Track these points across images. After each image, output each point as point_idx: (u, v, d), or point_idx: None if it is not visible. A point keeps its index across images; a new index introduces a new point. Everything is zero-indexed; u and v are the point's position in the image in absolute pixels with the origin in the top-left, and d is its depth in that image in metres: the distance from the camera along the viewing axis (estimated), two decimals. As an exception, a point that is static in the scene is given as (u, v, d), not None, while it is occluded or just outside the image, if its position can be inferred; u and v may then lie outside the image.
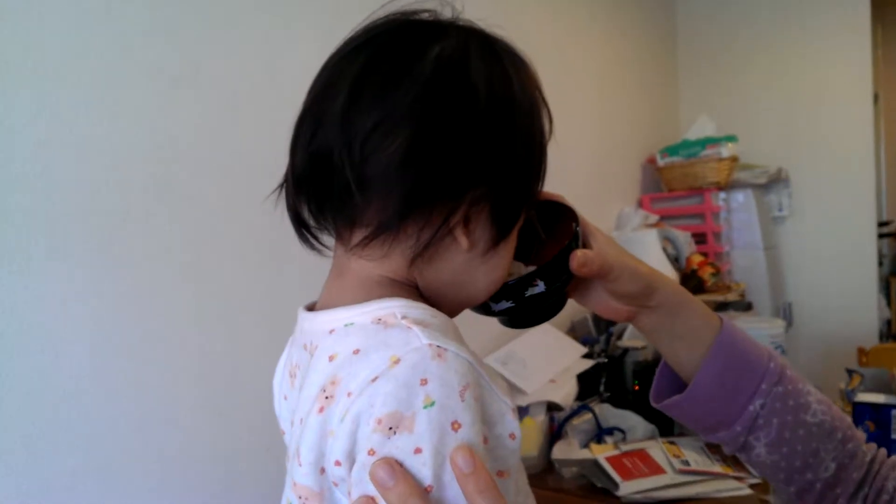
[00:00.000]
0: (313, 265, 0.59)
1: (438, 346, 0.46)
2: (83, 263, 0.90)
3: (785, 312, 2.88)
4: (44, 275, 0.85)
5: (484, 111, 0.51)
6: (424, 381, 0.44)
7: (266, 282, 1.15)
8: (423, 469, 0.44)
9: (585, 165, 2.33)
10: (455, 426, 0.44)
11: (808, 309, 2.99)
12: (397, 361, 0.45)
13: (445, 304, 0.55)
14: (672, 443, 1.42)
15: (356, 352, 0.48)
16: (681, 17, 3.35)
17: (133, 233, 0.96)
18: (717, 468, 1.32)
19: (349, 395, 0.46)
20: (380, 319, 0.50)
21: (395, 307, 0.50)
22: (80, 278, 0.90)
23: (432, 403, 0.44)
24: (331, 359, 0.49)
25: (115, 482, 0.93)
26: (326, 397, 0.47)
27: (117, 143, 0.94)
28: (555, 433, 1.48)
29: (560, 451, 1.41)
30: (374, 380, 0.45)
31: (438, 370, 0.45)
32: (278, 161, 0.56)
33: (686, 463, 1.32)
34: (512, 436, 0.48)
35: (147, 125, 0.98)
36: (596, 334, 1.96)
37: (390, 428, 0.44)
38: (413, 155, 0.49)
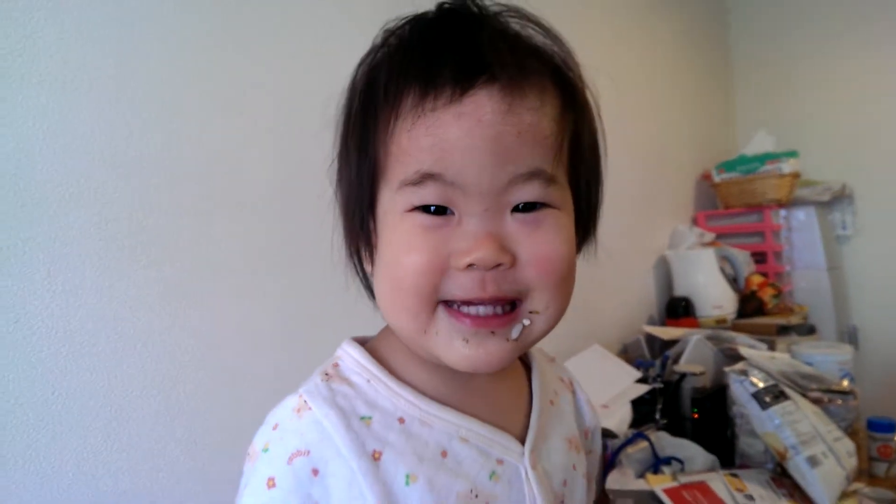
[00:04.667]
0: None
1: (305, 402, 0.46)
2: (138, 281, 0.89)
3: (850, 337, 2.74)
4: (98, 292, 0.85)
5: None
6: (275, 427, 0.46)
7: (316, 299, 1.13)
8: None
9: (637, 182, 2.27)
10: (270, 483, 0.44)
11: (875, 333, 2.83)
12: (284, 398, 0.48)
13: (410, 350, 0.50)
14: (734, 475, 1.34)
15: None
16: (735, 27, 3.26)
17: (186, 249, 0.96)
18: (785, 504, 1.24)
19: None
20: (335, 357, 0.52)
21: (347, 353, 0.51)
22: (136, 294, 0.89)
23: (266, 450, 0.46)
24: None
25: (163, 505, 0.92)
26: None
27: (169, 157, 0.94)
28: (608, 462, 1.42)
29: (614, 482, 1.35)
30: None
31: (288, 423, 0.46)
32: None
33: (750, 498, 1.25)
34: None
35: (196, 140, 0.98)
36: (650, 358, 1.89)
37: (248, 454, 0.48)
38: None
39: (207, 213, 0.98)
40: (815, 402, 1.46)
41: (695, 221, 2.65)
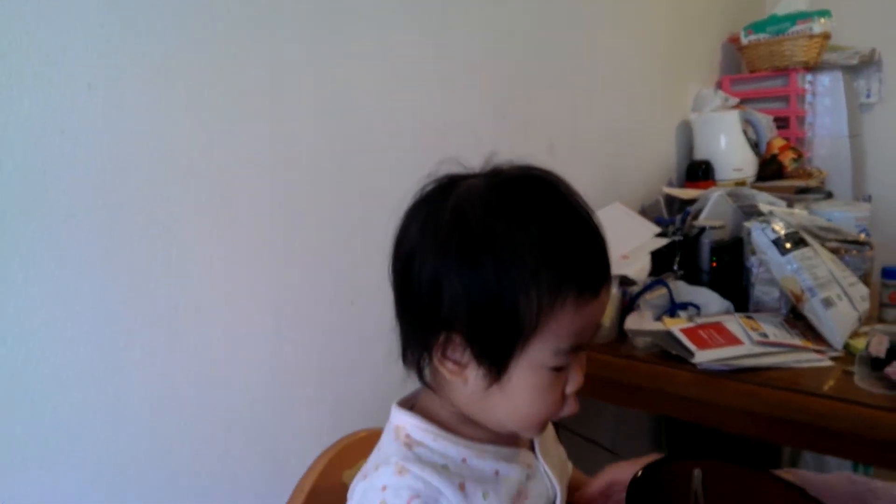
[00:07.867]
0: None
1: (403, 466, 0.61)
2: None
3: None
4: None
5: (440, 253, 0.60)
6: (384, 488, 0.60)
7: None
8: None
9: (659, 45, 2.20)
10: None
11: (890, 203, 2.83)
12: (377, 468, 0.62)
13: (481, 422, 0.66)
14: (749, 317, 1.40)
15: (376, 448, 0.67)
16: None
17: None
18: (798, 341, 1.30)
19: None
20: (397, 428, 0.66)
21: (410, 424, 0.66)
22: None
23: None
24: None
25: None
26: None
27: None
28: (627, 306, 1.47)
29: (633, 322, 1.41)
30: (364, 477, 0.63)
31: (396, 481, 0.60)
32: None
33: (764, 335, 1.31)
34: None
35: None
36: (668, 216, 1.91)
37: None
38: (398, 299, 0.65)
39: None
40: (833, 251, 1.49)
41: (719, 85, 2.59)
